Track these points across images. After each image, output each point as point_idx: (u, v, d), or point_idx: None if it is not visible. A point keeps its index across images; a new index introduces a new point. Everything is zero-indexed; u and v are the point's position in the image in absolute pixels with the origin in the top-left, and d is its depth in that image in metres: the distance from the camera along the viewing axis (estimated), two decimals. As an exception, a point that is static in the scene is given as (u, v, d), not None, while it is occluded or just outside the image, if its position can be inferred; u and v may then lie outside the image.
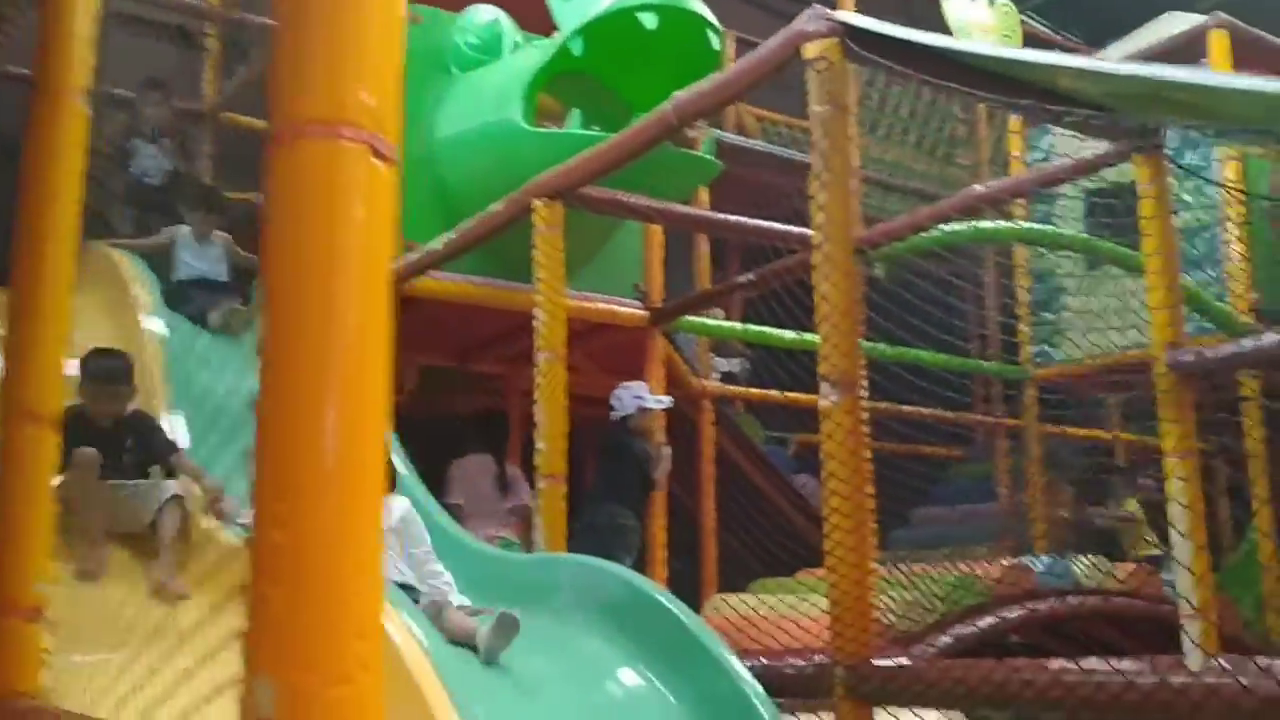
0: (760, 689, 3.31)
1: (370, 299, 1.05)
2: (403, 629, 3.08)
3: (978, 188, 4.73)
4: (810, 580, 6.04)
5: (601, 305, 6.08)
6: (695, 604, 6.83)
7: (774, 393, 8.03)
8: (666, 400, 5.82)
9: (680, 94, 3.94)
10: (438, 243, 5.22)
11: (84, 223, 6.20)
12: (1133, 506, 7.58)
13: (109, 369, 4.31)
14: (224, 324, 5.60)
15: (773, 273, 5.77)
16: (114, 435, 4.25)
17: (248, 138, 7.59)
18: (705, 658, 3.46)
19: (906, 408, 8.34)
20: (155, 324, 5.09)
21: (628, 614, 3.72)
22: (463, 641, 3.47)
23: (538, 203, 4.59)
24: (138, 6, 7.87)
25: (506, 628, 3.30)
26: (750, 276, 5.87)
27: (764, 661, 3.59)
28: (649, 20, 5.10)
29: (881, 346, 7.17)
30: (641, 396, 5.64)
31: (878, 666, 3.14)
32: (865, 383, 8.38)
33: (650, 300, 6.44)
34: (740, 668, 3.39)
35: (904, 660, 3.22)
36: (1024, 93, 3.30)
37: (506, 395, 7.26)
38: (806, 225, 5.19)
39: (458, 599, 3.74)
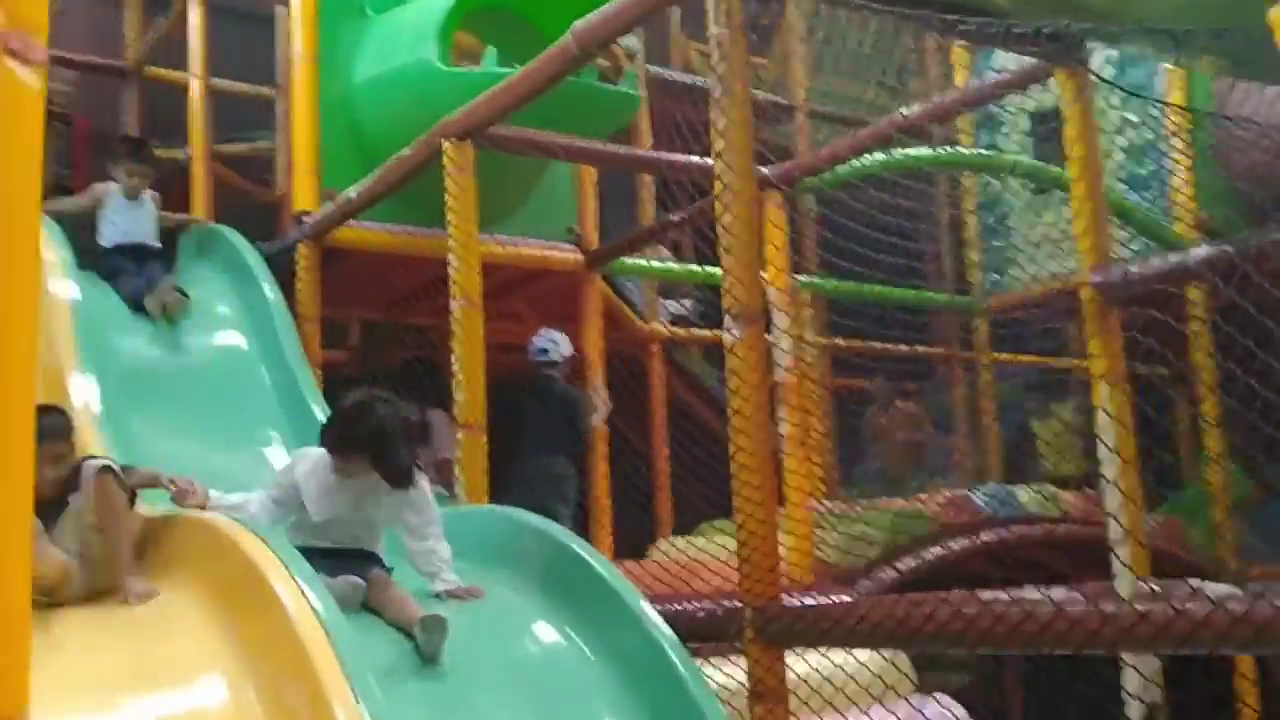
0: (676, 641, 3.20)
1: (9, 235, 0.90)
2: (296, 596, 2.93)
3: (900, 114, 4.59)
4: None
5: (533, 250, 5.93)
6: (646, 547, 6.79)
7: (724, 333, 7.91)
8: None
9: (579, 22, 3.78)
10: (353, 190, 5.05)
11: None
12: (1068, 417, 7.57)
13: (44, 429, 3.32)
14: (161, 310, 5.20)
15: (704, 209, 5.62)
16: (60, 498, 3.44)
17: (172, 93, 7.37)
18: (622, 610, 3.34)
19: (859, 343, 8.28)
20: (65, 287, 4.89)
21: (545, 567, 3.61)
22: (400, 625, 3.31)
23: (447, 144, 4.43)
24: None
25: (433, 630, 3.15)
26: (681, 215, 5.73)
27: (683, 606, 3.50)
28: (561, -49, 4.91)
29: (832, 282, 7.07)
30: (557, 341, 5.53)
31: (785, 607, 3.06)
32: (820, 319, 8.31)
33: (585, 243, 6.29)
34: (658, 620, 3.27)
35: (811, 600, 3.13)
36: (925, 4, 3.17)
37: (443, 346, 7.12)
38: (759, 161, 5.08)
39: (451, 576, 3.54)
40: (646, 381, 7.63)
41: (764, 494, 3.12)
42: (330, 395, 5.49)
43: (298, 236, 5.52)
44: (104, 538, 3.33)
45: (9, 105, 0.92)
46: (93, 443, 4.27)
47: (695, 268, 7.12)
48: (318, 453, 3.53)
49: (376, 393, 3.56)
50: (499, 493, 6.07)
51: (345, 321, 7.89)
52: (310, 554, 3.38)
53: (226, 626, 3.05)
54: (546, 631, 3.44)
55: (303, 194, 5.58)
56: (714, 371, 9.04)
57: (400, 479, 3.47)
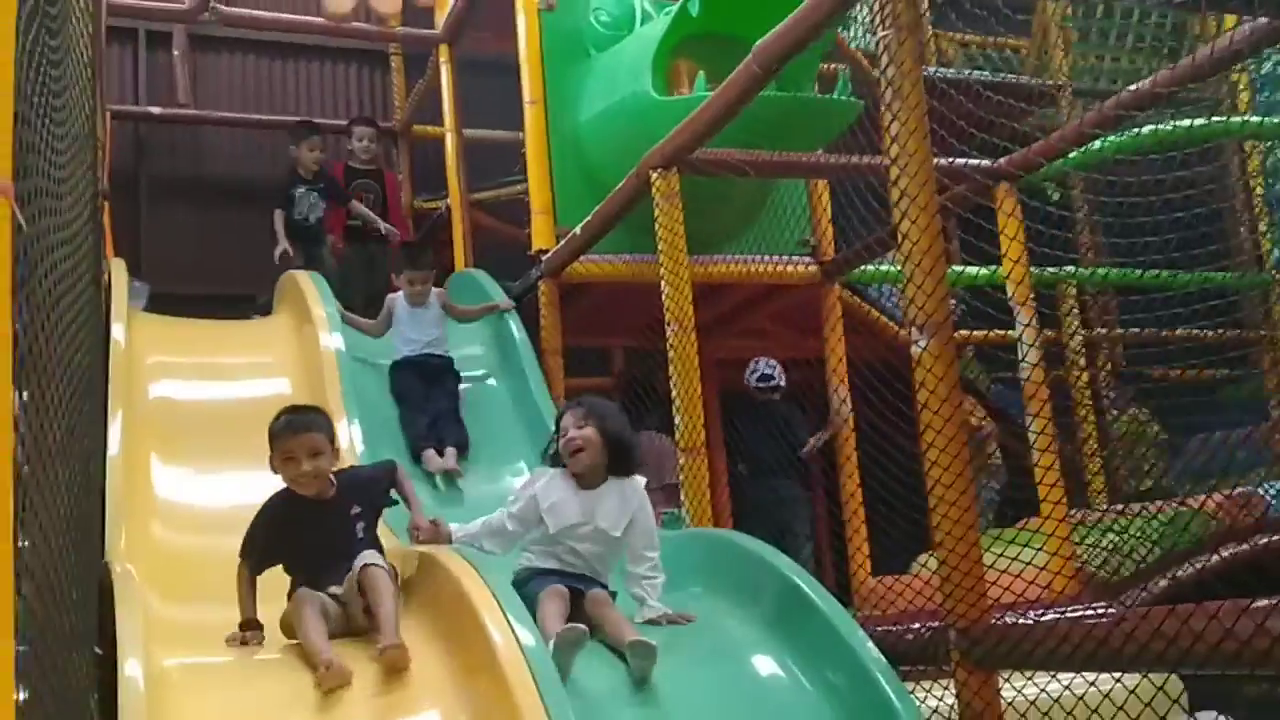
0: (888, 668, 3.08)
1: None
2: (505, 632, 3.02)
3: (1134, 88, 4.25)
4: (1029, 530, 5.66)
5: (767, 266, 5.89)
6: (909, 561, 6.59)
7: (990, 333, 7.58)
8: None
9: (758, 43, 3.77)
10: (577, 228, 5.22)
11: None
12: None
13: (298, 420, 3.44)
14: (441, 473, 5.07)
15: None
16: (333, 507, 3.42)
17: (433, 148, 7.86)
18: (836, 637, 3.24)
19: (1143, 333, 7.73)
20: (330, 339, 5.32)
21: (762, 591, 3.59)
22: (614, 647, 3.34)
23: (653, 174, 4.50)
24: (327, 37, 8.33)
25: (641, 655, 3.20)
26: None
27: (891, 628, 3.38)
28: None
29: (1083, 271, 6.66)
30: (775, 366, 5.50)
31: (992, 628, 2.91)
32: (1111, 310, 7.79)
33: (820, 254, 6.21)
34: (872, 648, 3.14)
35: (1020, 619, 2.95)
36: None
37: (700, 366, 7.20)
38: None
39: (656, 603, 3.58)
40: (909, 389, 7.42)
41: (962, 509, 2.98)
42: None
43: (537, 275, 5.75)
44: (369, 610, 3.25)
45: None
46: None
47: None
48: (555, 469, 3.65)
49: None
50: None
51: (608, 349, 8.15)
52: (535, 575, 3.52)
53: (444, 656, 3.21)
54: (760, 658, 3.42)
55: (539, 233, 5.81)
56: (984, 372, 8.69)
57: (619, 454, 3.54)
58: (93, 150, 3.55)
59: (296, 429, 3.40)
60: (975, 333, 7.77)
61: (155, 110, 7.95)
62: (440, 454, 5.07)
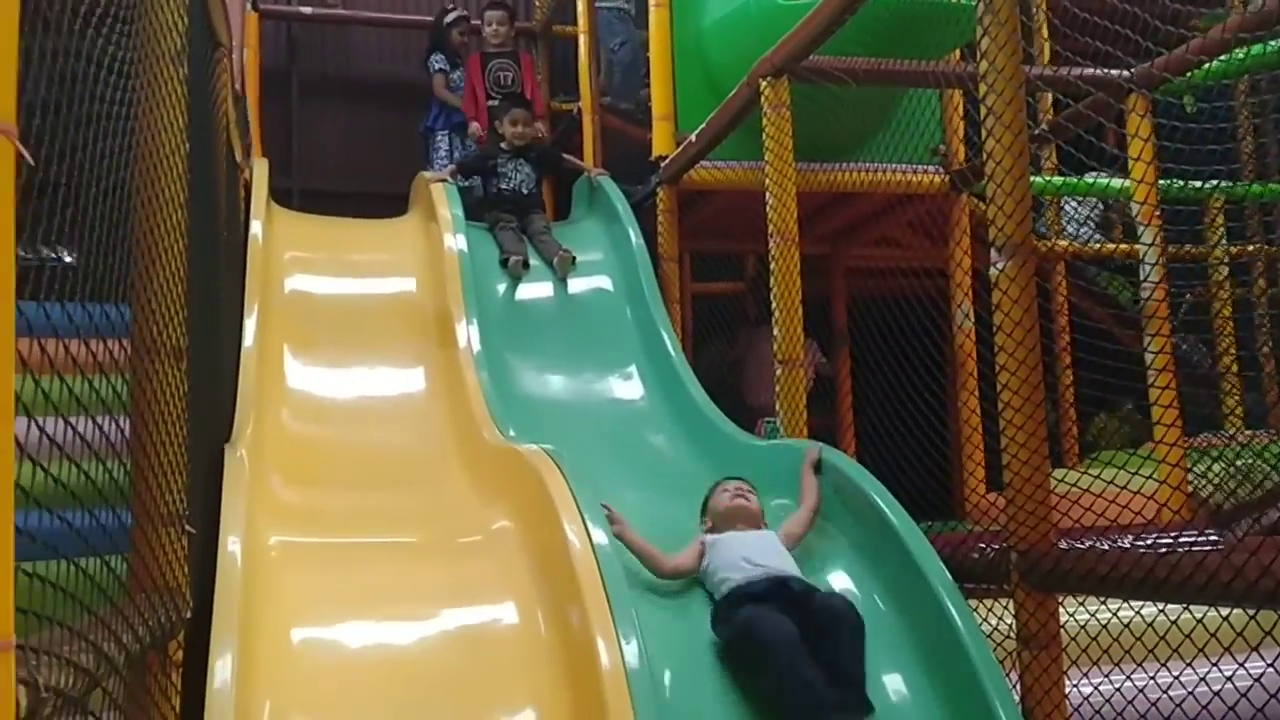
0: (951, 583, 3.13)
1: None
2: (579, 529, 3.14)
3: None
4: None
5: (893, 175, 5.78)
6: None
7: (1128, 246, 7.29)
8: None
9: (861, -52, 3.69)
10: (693, 135, 5.23)
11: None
12: None
13: None
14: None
15: (1070, 119, 5.24)
16: None
17: (572, 48, 7.90)
18: (903, 551, 3.31)
19: None
20: (455, 240, 5.49)
21: (844, 508, 3.67)
22: None
23: (762, 82, 4.47)
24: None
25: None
26: (1043, 127, 5.37)
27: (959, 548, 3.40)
28: None
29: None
30: None
31: (1052, 551, 2.91)
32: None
33: (951, 164, 6.06)
34: (938, 563, 3.21)
35: (1085, 544, 2.94)
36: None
37: (831, 274, 7.18)
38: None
39: None
40: (1049, 302, 7.23)
41: (1029, 433, 2.97)
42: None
43: (656, 181, 5.79)
44: None
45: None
46: (471, 379, 4.77)
47: (1061, 179, 6.62)
48: None
49: None
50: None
51: (741, 255, 8.15)
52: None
53: (530, 551, 3.40)
54: (834, 571, 3.51)
55: (659, 139, 5.83)
56: (1129, 289, 8.38)
57: None
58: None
59: None
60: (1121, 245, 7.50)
61: (306, 10, 8.19)
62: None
